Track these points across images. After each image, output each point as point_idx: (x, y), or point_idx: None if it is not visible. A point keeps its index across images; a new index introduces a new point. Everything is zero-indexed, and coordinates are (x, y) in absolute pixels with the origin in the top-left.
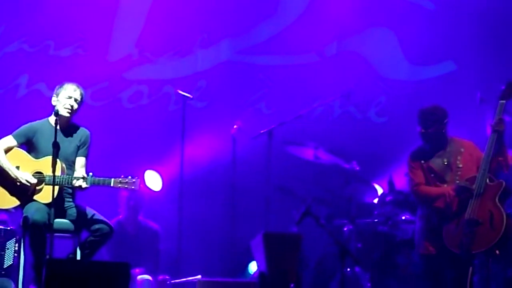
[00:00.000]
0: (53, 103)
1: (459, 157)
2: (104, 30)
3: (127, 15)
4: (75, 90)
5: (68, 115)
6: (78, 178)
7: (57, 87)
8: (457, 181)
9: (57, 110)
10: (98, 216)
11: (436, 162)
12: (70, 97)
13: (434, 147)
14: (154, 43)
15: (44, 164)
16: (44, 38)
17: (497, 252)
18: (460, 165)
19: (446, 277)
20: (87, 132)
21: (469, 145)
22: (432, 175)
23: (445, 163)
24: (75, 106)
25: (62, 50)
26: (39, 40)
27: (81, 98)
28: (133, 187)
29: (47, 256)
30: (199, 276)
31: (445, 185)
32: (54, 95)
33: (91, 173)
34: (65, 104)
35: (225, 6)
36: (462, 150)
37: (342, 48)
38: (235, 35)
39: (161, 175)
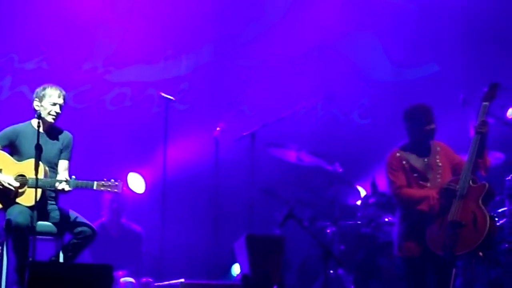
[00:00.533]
0: (36, 107)
1: (437, 156)
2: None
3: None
4: (59, 96)
5: (53, 121)
6: (61, 181)
7: (38, 90)
8: (438, 180)
9: (40, 114)
10: (81, 218)
11: (418, 162)
12: (55, 104)
13: (425, 145)
14: (135, 46)
15: (27, 167)
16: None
17: (481, 254)
18: (440, 164)
19: (429, 279)
20: (70, 135)
21: (443, 145)
22: (415, 174)
23: (426, 161)
24: (59, 111)
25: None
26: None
27: (64, 100)
28: (116, 190)
29: (30, 259)
30: (182, 280)
31: (428, 184)
32: (36, 99)
33: (73, 176)
34: (50, 111)
35: (208, 9)
36: (438, 149)
37: (325, 50)
38: (217, 38)
39: (144, 178)
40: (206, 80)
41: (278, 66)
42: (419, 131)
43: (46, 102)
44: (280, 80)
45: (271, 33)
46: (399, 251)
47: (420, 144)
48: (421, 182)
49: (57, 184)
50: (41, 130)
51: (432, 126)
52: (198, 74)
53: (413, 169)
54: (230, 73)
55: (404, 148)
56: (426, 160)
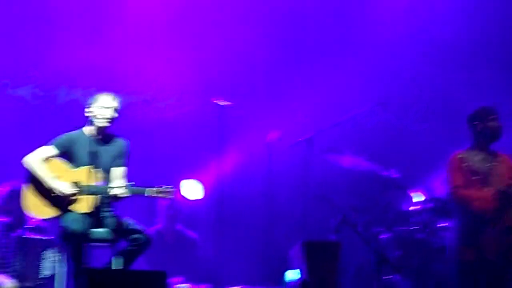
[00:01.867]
0: (87, 114)
1: (500, 164)
2: None
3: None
4: (109, 100)
5: (107, 124)
6: (115, 188)
7: (89, 98)
8: (498, 186)
9: (92, 121)
10: (136, 225)
11: (480, 165)
12: (106, 108)
13: (489, 150)
14: (190, 52)
15: (82, 174)
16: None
17: None
18: (502, 172)
19: (482, 283)
20: (125, 141)
21: (507, 157)
22: (476, 177)
23: (488, 166)
24: (115, 115)
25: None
26: None
27: (117, 106)
28: (169, 196)
29: (85, 266)
30: (238, 287)
31: (486, 189)
32: (88, 105)
33: (131, 182)
34: (100, 115)
35: (264, 14)
36: (502, 159)
37: (381, 54)
38: (271, 42)
39: (199, 184)
40: (261, 86)
41: (334, 71)
42: (483, 132)
43: (96, 107)
44: (335, 85)
45: (328, 39)
46: (455, 254)
47: (485, 147)
48: (481, 185)
49: (111, 190)
50: (95, 137)
51: (496, 124)
52: (252, 80)
53: (474, 171)
54: (285, 79)
55: (468, 151)
56: (488, 165)
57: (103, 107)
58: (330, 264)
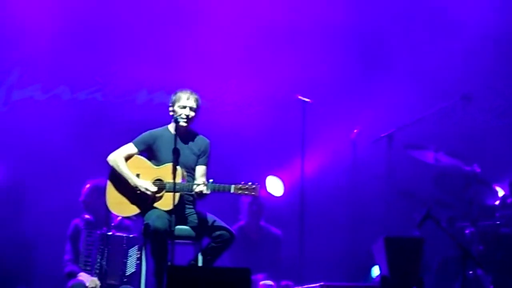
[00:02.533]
0: (170, 112)
1: None
2: None
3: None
4: (188, 99)
5: (184, 124)
6: (198, 185)
7: (171, 96)
8: None
9: (176, 119)
10: (219, 222)
11: None
12: (184, 107)
13: None
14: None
15: (164, 171)
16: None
17: None
18: None
19: None
20: (207, 140)
21: None
22: None
23: None
24: (191, 114)
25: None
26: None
27: (197, 105)
28: (253, 193)
29: (169, 263)
30: (322, 283)
31: None
32: (170, 104)
33: (211, 180)
34: (180, 114)
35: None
36: None
37: (463, 50)
38: (354, 39)
39: (282, 181)
40: (343, 83)
41: (416, 66)
42: None
43: (177, 106)
44: (418, 80)
45: (410, 34)
46: None
47: None
48: None
49: (194, 187)
50: (177, 135)
51: None
52: (335, 76)
53: None
54: (367, 74)
55: None
56: None
57: (182, 106)
58: (413, 259)
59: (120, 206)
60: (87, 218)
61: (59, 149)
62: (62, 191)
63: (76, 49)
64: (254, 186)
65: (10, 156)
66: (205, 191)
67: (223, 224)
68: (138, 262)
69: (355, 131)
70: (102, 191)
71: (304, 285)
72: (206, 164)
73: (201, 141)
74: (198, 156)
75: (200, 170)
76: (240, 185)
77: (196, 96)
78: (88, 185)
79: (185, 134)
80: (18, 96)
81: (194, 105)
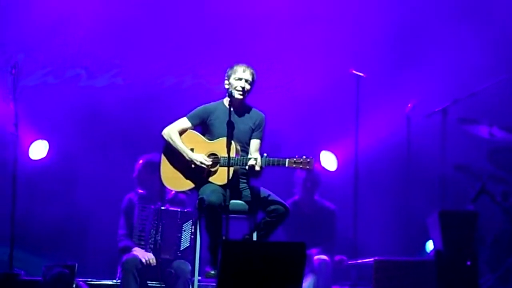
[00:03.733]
0: (226, 86)
1: None
2: None
3: None
4: (244, 71)
5: (240, 97)
6: (254, 159)
7: (228, 70)
8: None
9: (230, 92)
10: (274, 196)
11: None
12: (240, 79)
13: None
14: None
15: (219, 146)
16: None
17: None
18: None
19: None
20: (262, 114)
21: None
22: None
23: None
24: (247, 87)
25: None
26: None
27: (252, 78)
28: (307, 167)
29: (223, 238)
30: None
31: None
32: (226, 77)
33: (265, 154)
34: (236, 87)
35: None
36: None
37: None
38: (405, 14)
39: (336, 155)
40: (397, 56)
41: (470, 39)
42: None
43: (232, 79)
44: (472, 54)
45: (468, 5)
46: None
47: None
48: None
49: (249, 162)
50: (232, 109)
51: None
52: (389, 49)
53: None
54: (422, 48)
55: None
56: None
57: (237, 78)
58: (467, 234)
59: (175, 181)
60: (141, 193)
61: (113, 123)
62: (116, 166)
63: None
64: (308, 160)
65: (63, 131)
66: (259, 165)
67: (277, 198)
68: (192, 236)
69: (409, 105)
70: (156, 166)
71: (358, 260)
72: (261, 138)
73: (256, 115)
74: (253, 130)
75: (255, 144)
76: (295, 159)
77: (252, 70)
78: (141, 161)
79: (240, 108)
80: (69, 74)
81: (249, 78)
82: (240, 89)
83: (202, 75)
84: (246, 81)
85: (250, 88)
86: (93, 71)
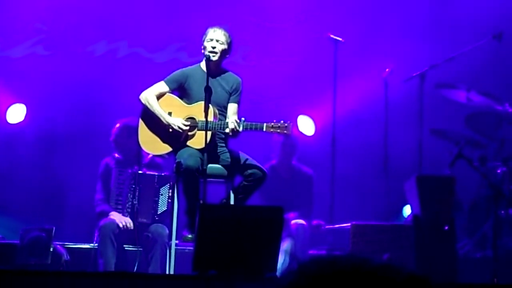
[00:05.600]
0: (202, 50)
1: None
2: None
3: None
4: (214, 31)
5: (213, 58)
6: (232, 123)
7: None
8: None
9: (207, 56)
10: (251, 161)
11: None
12: (211, 39)
13: None
14: None
15: (196, 110)
16: None
17: None
18: None
19: None
20: (239, 78)
21: None
22: None
23: None
24: (218, 46)
25: None
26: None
27: (226, 39)
28: (285, 132)
29: (201, 202)
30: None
31: None
32: (202, 42)
33: (243, 118)
34: (208, 47)
35: None
36: None
37: None
38: None
39: (313, 120)
40: (374, 21)
41: (446, 4)
42: None
43: (205, 42)
44: (448, 20)
45: None
46: None
47: None
48: None
49: (227, 126)
50: (209, 72)
51: None
52: (367, 14)
53: None
54: (398, 13)
55: None
56: None
57: (210, 40)
58: (445, 198)
59: (152, 144)
60: (118, 157)
61: (89, 94)
62: (92, 132)
63: None
64: (286, 125)
65: (42, 96)
66: (237, 129)
67: (255, 162)
68: (169, 200)
69: (387, 70)
70: (133, 130)
71: (335, 225)
72: (238, 102)
73: (233, 78)
74: (230, 94)
75: (232, 108)
76: (272, 124)
77: (223, 31)
78: (118, 125)
79: (217, 72)
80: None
81: (221, 38)
82: (211, 49)
83: (140, 43)
84: (217, 41)
85: (226, 49)
86: (8, 40)
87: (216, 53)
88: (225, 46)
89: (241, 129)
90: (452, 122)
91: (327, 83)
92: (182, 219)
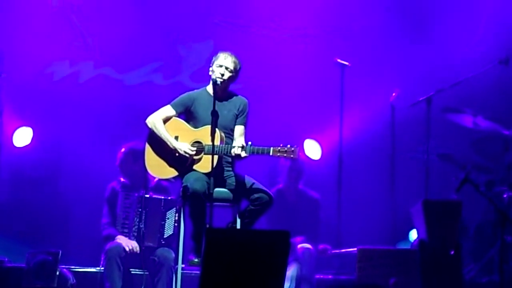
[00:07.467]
0: (210, 73)
1: None
2: None
3: None
4: (225, 58)
5: (218, 82)
6: (238, 147)
7: (213, 57)
8: None
9: (214, 79)
10: (258, 185)
11: None
12: (220, 66)
13: None
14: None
15: (203, 134)
16: None
17: None
18: None
19: None
20: (245, 100)
21: None
22: None
23: None
24: (226, 74)
25: None
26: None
27: (234, 67)
28: (292, 156)
29: (207, 226)
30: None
31: None
32: (211, 65)
33: (250, 142)
34: (217, 73)
35: None
36: None
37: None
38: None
39: (320, 144)
40: (382, 45)
41: (454, 30)
42: None
43: (215, 66)
44: (456, 44)
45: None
46: None
47: None
48: None
49: (233, 150)
50: (216, 96)
51: None
52: (373, 39)
53: None
54: (406, 38)
55: None
56: None
57: (219, 65)
58: (451, 223)
59: (159, 168)
60: (123, 182)
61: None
62: (99, 154)
63: None
64: (293, 149)
65: (49, 120)
66: (244, 154)
67: (261, 186)
68: (176, 224)
69: (394, 94)
70: (138, 154)
71: (341, 249)
72: (245, 124)
73: (239, 100)
74: (237, 116)
75: (239, 130)
76: (279, 148)
77: (234, 58)
78: (123, 149)
79: (223, 95)
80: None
81: (230, 66)
82: (219, 75)
83: (109, 63)
84: (227, 68)
85: (233, 76)
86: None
87: (227, 80)
88: (233, 74)
89: (247, 153)
90: (459, 147)
91: (334, 107)
92: (189, 243)
